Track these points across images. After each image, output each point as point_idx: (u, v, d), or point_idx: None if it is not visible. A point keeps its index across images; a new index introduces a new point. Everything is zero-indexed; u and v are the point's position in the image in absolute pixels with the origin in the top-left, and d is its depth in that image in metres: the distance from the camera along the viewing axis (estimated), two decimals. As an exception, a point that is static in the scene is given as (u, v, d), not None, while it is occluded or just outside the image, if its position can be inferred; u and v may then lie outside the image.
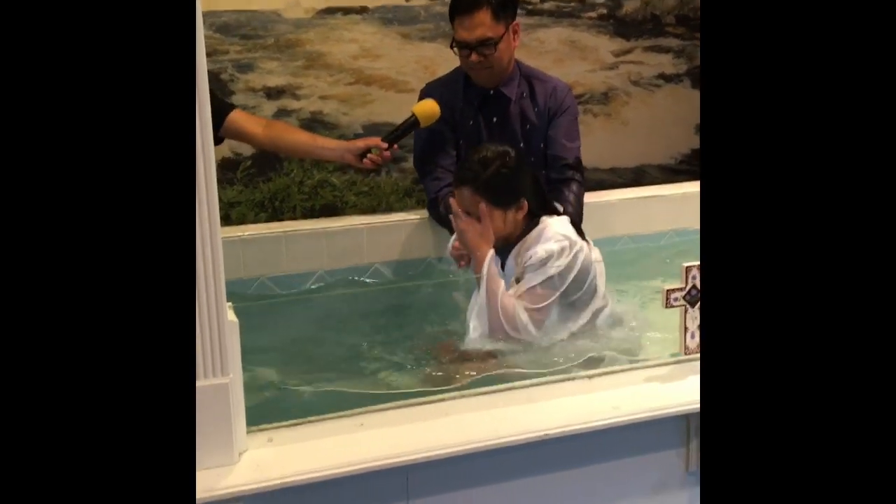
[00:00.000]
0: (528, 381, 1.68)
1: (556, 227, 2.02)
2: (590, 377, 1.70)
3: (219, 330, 1.30)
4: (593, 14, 3.38)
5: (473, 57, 2.31)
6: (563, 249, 1.96)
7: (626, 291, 2.33)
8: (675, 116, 3.58)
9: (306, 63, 3.04)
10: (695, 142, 3.59)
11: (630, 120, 3.52)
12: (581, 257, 1.99)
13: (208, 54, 2.54)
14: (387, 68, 3.14)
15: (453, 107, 2.44)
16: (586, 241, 2.09)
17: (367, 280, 2.42)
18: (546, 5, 3.32)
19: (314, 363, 1.90)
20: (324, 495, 1.42)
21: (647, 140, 3.54)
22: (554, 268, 1.94)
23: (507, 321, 1.93)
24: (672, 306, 1.68)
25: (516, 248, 2.05)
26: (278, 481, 1.35)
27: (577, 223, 2.18)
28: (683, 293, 1.69)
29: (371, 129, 3.09)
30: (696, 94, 3.54)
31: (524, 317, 1.94)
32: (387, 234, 2.58)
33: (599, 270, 2.07)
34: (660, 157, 3.60)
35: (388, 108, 3.14)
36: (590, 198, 2.59)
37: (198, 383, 1.31)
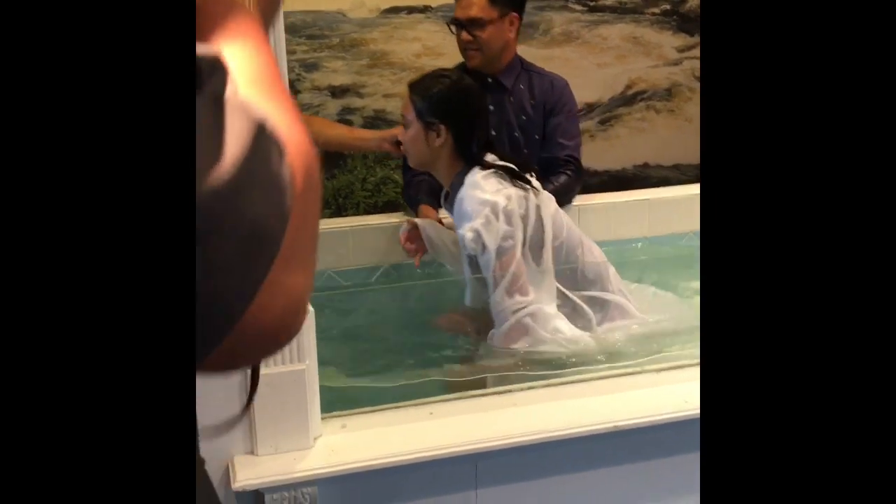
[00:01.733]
0: (595, 374, 1.69)
1: (472, 195, 1.85)
2: (657, 371, 1.69)
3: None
4: (656, 10, 3.36)
5: (464, 35, 2.39)
6: (487, 220, 1.81)
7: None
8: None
9: (370, 62, 3.09)
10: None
11: (694, 116, 3.49)
12: (518, 212, 1.85)
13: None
14: (449, 66, 3.17)
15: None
16: (532, 187, 1.92)
17: (429, 272, 2.44)
18: (608, 1, 3.31)
19: (382, 354, 1.93)
20: (395, 481, 1.45)
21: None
22: (492, 241, 1.81)
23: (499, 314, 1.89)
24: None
25: (455, 208, 1.94)
26: (351, 466, 1.39)
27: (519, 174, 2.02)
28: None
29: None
30: (762, 90, 3.49)
31: (507, 298, 1.84)
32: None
33: (564, 220, 1.99)
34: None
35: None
36: (653, 194, 2.58)
37: (276, 369, 1.35)
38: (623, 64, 3.30)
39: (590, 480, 1.59)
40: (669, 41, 3.39)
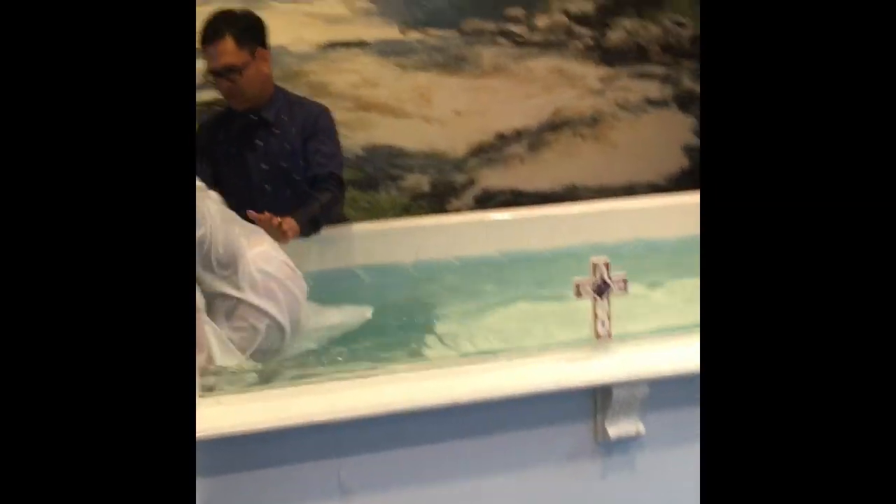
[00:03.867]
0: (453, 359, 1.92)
1: None
2: (509, 358, 1.92)
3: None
4: (580, 44, 3.63)
5: (225, 84, 2.49)
6: None
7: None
8: (664, 138, 3.78)
9: (311, 91, 3.36)
10: (683, 161, 3.79)
11: (619, 142, 3.74)
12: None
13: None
14: (384, 96, 3.44)
15: (215, 140, 2.63)
16: None
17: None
18: (535, 37, 3.58)
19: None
20: (255, 448, 1.68)
21: (636, 160, 3.76)
22: None
23: None
24: (580, 296, 1.90)
25: None
26: (215, 433, 1.62)
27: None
28: (593, 285, 1.91)
29: (371, 151, 3.40)
30: (684, 117, 3.75)
31: None
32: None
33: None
34: (649, 176, 3.80)
35: (386, 132, 3.44)
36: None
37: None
38: (549, 94, 3.55)
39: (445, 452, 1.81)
40: (593, 72, 3.65)
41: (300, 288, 2.13)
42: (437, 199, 3.54)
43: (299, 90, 3.34)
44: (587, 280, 1.91)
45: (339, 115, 3.41)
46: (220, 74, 2.49)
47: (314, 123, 2.62)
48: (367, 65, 3.38)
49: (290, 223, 2.28)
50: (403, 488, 1.79)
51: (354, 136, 3.42)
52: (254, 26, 2.53)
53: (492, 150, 3.56)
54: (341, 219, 2.76)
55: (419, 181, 3.52)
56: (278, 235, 2.19)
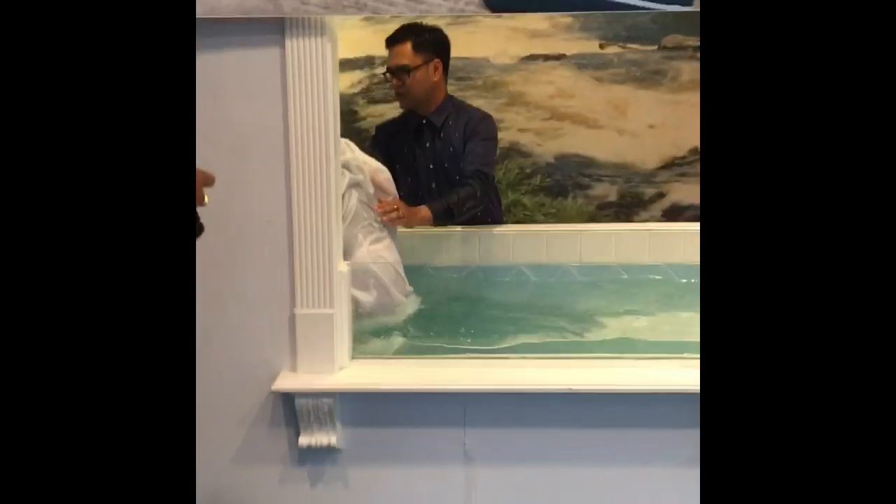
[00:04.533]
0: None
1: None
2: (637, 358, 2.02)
3: (329, 273, 1.86)
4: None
5: (394, 81, 2.78)
6: None
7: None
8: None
9: (508, 101, 3.59)
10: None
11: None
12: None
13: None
14: (579, 107, 3.58)
15: (391, 137, 2.91)
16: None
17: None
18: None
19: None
20: (394, 406, 1.92)
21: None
22: None
23: None
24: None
25: None
26: (358, 387, 1.88)
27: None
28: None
29: (561, 159, 3.56)
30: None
31: None
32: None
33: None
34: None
35: (578, 141, 3.58)
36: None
37: (314, 311, 1.88)
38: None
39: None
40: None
41: (401, 290, 2.41)
42: (625, 210, 3.62)
43: (499, 99, 3.60)
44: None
45: (533, 124, 3.63)
46: (392, 72, 2.82)
47: (475, 127, 2.84)
48: (564, 77, 3.55)
49: (416, 211, 2.56)
50: (521, 464, 1.95)
51: (546, 144, 3.60)
52: (436, 40, 2.83)
53: (684, 164, 3.58)
54: (498, 219, 2.94)
55: (607, 190, 3.62)
56: (395, 219, 2.44)
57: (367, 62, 3.59)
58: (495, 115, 3.59)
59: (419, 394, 1.91)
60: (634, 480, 1.96)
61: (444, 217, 2.66)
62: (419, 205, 2.62)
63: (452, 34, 2.90)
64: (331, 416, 1.89)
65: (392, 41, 2.80)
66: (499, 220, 2.92)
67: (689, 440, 1.92)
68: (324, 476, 1.96)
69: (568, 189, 3.62)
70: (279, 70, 1.80)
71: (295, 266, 1.87)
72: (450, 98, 2.93)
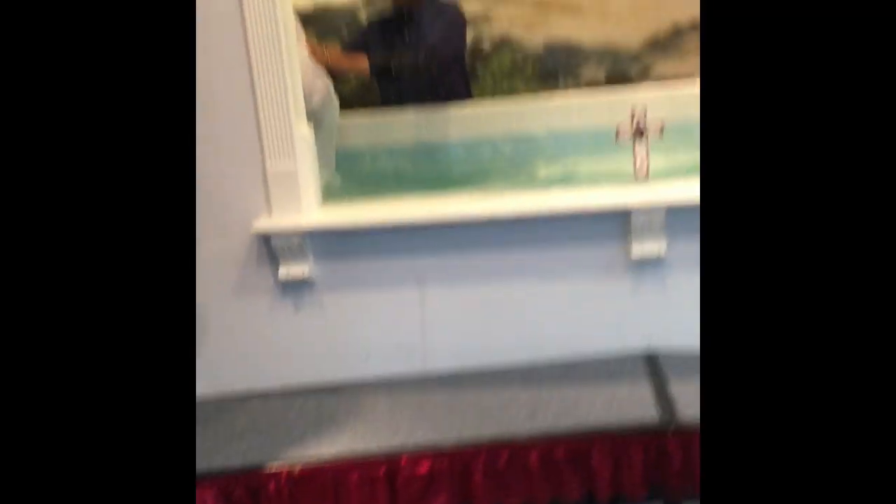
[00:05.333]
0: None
1: None
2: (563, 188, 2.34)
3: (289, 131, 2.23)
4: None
5: None
6: None
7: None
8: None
9: (498, -5, 3.86)
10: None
11: None
12: None
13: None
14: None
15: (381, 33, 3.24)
16: None
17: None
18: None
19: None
20: (357, 242, 2.31)
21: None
22: None
23: None
24: (619, 138, 2.25)
25: None
26: (325, 226, 2.27)
27: None
28: (631, 129, 2.25)
29: (550, 47, 3.83)
30: None
31: None
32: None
33: None
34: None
35: (564, 30, 3.84)
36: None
37: (281, 167, 2.27)
38: None
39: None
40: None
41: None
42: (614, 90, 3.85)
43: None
44: (626, 124, 2.25)
45: (522, 15, 3.89)
46: None
47: (445, 16, 3.19)
48: (546, -33, 3.78)
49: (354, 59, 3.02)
50: (464, 285, 2.32)
51: (534, 35, 3.86)
52: None
53: (667, 40, 3.78)
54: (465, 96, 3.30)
55: (596, 73, 3.86)
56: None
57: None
58: (485, 12, 3.90)
59: (377, 229, 2.29)
60: (560, 293, 2.30)
61: (381, 72, 3.03)
62: None
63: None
64: (303, 252, 2.30)
65: None
66: (466, 97, 3.25)
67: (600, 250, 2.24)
68: (303, 304, 2.38)
69: (559, 75, 3.88)
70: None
71: (261, 124, 2.24)
72: None
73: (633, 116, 2.25)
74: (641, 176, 2.26)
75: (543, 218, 2.25)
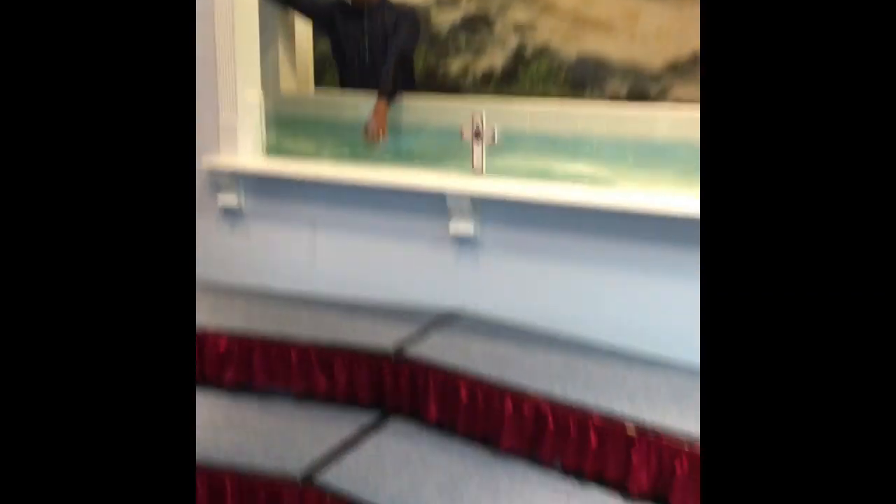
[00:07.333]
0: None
1: None
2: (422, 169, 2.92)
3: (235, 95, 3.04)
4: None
5: None
6: None
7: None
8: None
9: (540, 9, 4.34)
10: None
11: None
12: None
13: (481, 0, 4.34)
14: (598, 13, 4.22)
15: (342, 27, 3.63)
16: None
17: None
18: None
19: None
20: (276, 184, 3.06)
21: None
22: None
23: None
24: (463, 137, 2.79)
25: None
26: (249, 168, 3.05)
27: None
28: (472, 131, 2.77)
29: (582, 59, 4.28)
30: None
31: None
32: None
33: None
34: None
35: (596, 44, 4.25)
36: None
37: (223, 121, 3.08)
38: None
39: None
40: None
41: None
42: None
43: (531, 7, 4.37)
44: (468, 127, 2.78)
45: (561, 27, 4.34)
46: None
47: (404, 17, 3.62)
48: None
49: (382, 113, 3.32)
50: (347, 231, 2.99)
51: (569, 45, 4.30)
52: None
53: (686, 66, 4.05)
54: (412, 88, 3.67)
55: (619, 88, 4.21)
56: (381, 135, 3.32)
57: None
58: (531, 22, 4.40)
59: (283, 179, 3.03)
60: (399, 251, 2.90)
61: (390, 98, 3.59)
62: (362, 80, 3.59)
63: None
64: (234, 187, 3.10)
65: None
66: (412, 89, 3.71)
67: (425, 224, 2.80)
68: (234, 229, 3.18)
69: (586, 85, 4.29)
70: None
71: (219, 91, 3.07)
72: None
73: (472, 119, 2.77)
74: (477, 169, 2.78)
75: (382, 189, 2.86)
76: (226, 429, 2.43)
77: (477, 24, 4.55)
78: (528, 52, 4.44)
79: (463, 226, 2.74)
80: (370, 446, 2.31)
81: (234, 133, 3.10)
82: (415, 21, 3.66)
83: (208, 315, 2.77)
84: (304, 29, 3.90)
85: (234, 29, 3.00)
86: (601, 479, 2.11)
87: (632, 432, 2.05)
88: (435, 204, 2.79)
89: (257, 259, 3.17)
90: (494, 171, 2.77)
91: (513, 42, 4.47)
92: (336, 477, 2.15)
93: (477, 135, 2.78)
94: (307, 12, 3.77)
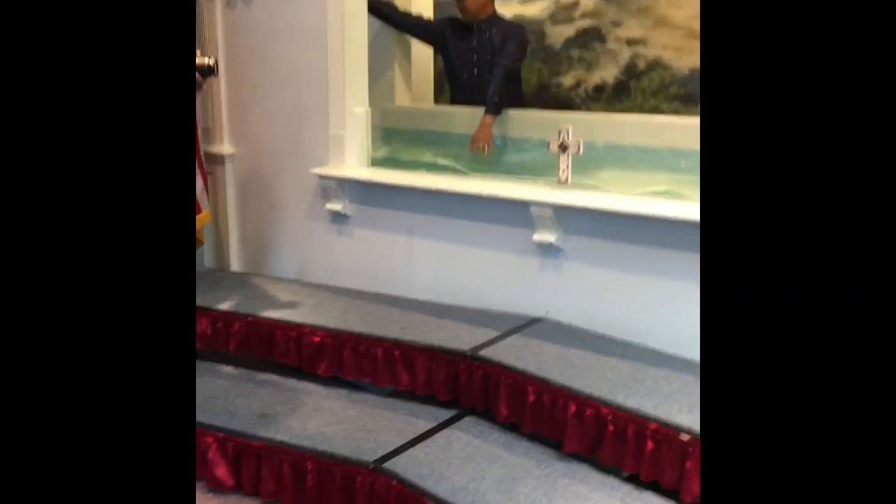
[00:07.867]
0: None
1: None
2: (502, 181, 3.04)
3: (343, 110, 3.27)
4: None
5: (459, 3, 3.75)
6: None
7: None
8: None
9: (655, 22, 4.35)
10: None
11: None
12: None
13: (594, 15, 4.38)
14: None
15: (453, 44, 3.81)
16: None
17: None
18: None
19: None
20: (386, 196, 3.27)
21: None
22: None
23: None
24: (550, 150, 2.88)
25: None
26: (353, 176, 3.28)
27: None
28: (558, 144, 2.86)
29: (694, 72, 4.25)
30: None
31: None
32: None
33: None
34: None
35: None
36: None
37: (332, 133, 3.32)
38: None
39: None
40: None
41: None
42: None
43: (646, 21, 4.38)
44: (555, 140, 2.88)
45: (674, 42, 4.31)
46: None
47: (510, 35, 3.75)
48: (700, 1, 4.15)
49: (488, 129, 3.56)
50: (440, 238, 3.15)
51: (682, 60, 4.28)
52: None
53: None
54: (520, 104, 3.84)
55: (732, 101, 4.16)
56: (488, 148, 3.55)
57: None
58: (644, 37, 4.41)
59: (384, 187, 3.24)
60: (489, 257, 3.02)
61: (496, 113, 3.71)
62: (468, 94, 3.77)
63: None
64: (341, 194, 3.33)
65: None
66: (521, 104, 3.83)
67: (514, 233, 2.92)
68: (341, 233, 3.41)
69: (698, 99, 4.26)
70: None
71: (330, 107, 3.31)
72: (496, 14, 3.88)
73: (560, 133, 2.86)
74: (563, 181, 2.88)
75: (472, 198, 3.00)
76: (314, 416, 2.64)
77: (589, 39, 4.61)
78: (640, 65, 4.46)
79: (546, 235, 2.84)
80: (441, 439, 2.45)
81: (342, 144, 3.33)
82: (522, 38, 3.79)
83: (311, 311, 3.00)
84: (423, 49, 4.12)
85: (345, 51, 3.23)
86: (657, 486, 2.16)
87: (686, 440, 2.08)
88: (521, 214, 2.91)
89: (360, 261, 3.39)
90: (581, 184, 2.86)
91: (625, 56, 4.50)
92: (404, 466, 2.30)
93: (563, 147, 2.87)
94: (419, 33, 4.00)
